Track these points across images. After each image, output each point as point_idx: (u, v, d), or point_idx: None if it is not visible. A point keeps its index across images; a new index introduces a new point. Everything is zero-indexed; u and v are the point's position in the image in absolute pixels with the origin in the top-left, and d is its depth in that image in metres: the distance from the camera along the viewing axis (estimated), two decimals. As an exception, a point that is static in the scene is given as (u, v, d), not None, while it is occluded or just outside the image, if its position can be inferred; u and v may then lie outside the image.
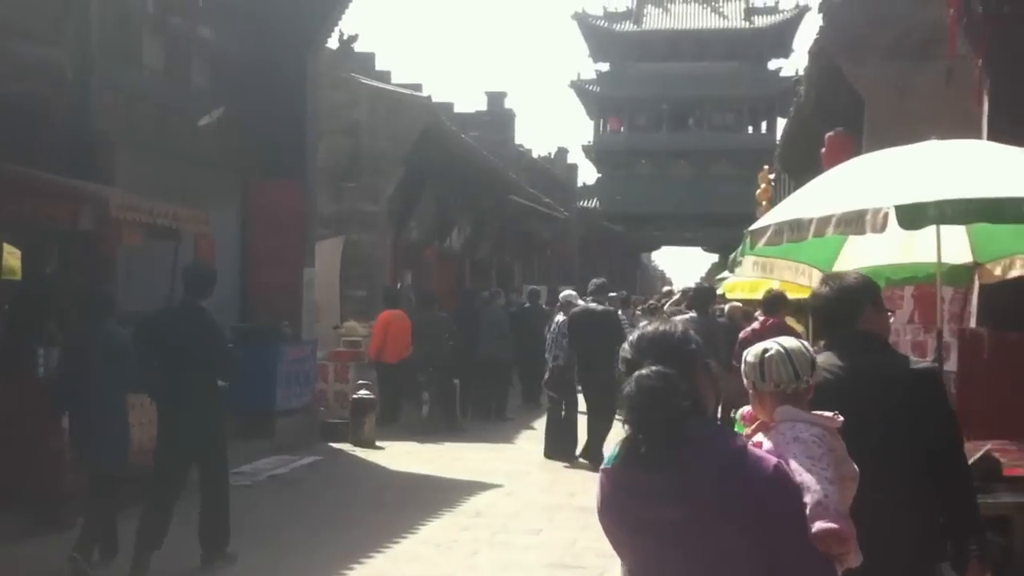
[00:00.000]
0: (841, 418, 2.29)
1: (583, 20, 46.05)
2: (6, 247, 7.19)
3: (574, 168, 38.80)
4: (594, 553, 5.92)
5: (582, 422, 9.51)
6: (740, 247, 4.43)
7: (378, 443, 10.12)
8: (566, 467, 9.20)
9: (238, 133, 10.06)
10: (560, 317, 9.78)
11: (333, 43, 14.36)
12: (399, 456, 9.62)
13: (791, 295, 8.09)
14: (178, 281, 7.91)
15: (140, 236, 7.27)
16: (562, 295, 10.64)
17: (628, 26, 46.16)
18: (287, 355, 9.63)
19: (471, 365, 12.30)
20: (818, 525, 2.01)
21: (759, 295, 11.47)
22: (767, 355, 2.33)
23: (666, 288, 24.47)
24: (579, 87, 46.34)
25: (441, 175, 16.30)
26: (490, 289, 15.39)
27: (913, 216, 3.49)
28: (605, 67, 46.81)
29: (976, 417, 4.94)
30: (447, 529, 6.59)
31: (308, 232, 10.81)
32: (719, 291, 12.26)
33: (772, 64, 45.85)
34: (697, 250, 52.05)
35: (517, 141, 28.44)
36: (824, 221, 3.68)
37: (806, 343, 2.42)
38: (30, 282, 7.11)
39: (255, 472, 8.25)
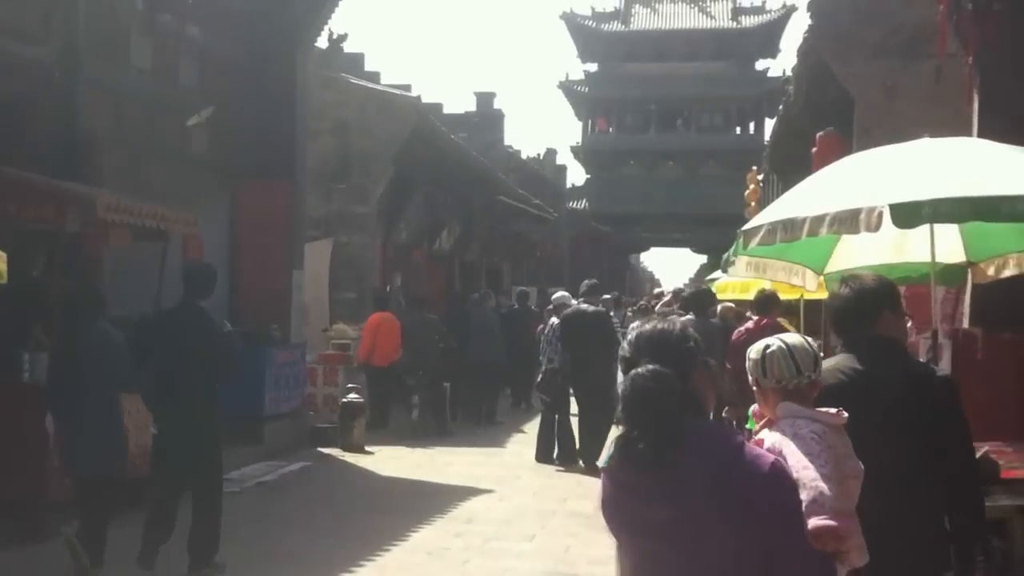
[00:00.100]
0: (845, 415, 2.27)
1: (571, 20, 46.08)
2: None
3: (563, 169, 38.83)
4: (587, 560, 5.89)
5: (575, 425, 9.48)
6: (733, 247, 4.42)
7: (368, 448, 10.05)
8: (558, 471, 9.16)
9: (227, 133, 9.99)
10: (554, 320, 9.75)
11: (322, 43, 14.30)
12: (389, 461, 9.56)
13: (782, 295, 8.10)
14: (166, 283, 7.88)
15: (128, 238, 7.21)
16: (555, 297, 10.62)
17: (616, 26, 46.23)
18: (276, 358, 9.56)
19: (461, 368, 12.25)
20: (813, 522, 2.00)
21: (751, 295, 11.49)
22: (768, 351, 2.32)
23: (657, 290, 24.52)
24: (567, 87, 46.38)
25: (431, 176, 16.25)
26: (480, 291, 15.34)
27: (907, 215, 3.47)
28: (593, 67, 46.86)
29: (971, 419, 4.91)
30: (438, 536, 6.52)
31: (297, 233, 10.74)
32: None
33: (760, 64, 46.03)
34: (686, 251, 52.18)
35: (506, 142, 28.43)
36: (818, 220, 3.66)
37: (809, 339, 2.40)
38: (15, 285, 7.02)
39: (243, 478, 8.16)
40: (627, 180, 44.62)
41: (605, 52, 46.16)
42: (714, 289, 11.75)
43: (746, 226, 4.19)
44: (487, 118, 27.09)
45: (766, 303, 7.51)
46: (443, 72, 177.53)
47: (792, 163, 14.76)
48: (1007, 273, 4.63)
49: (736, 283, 10.54)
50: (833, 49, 9.38)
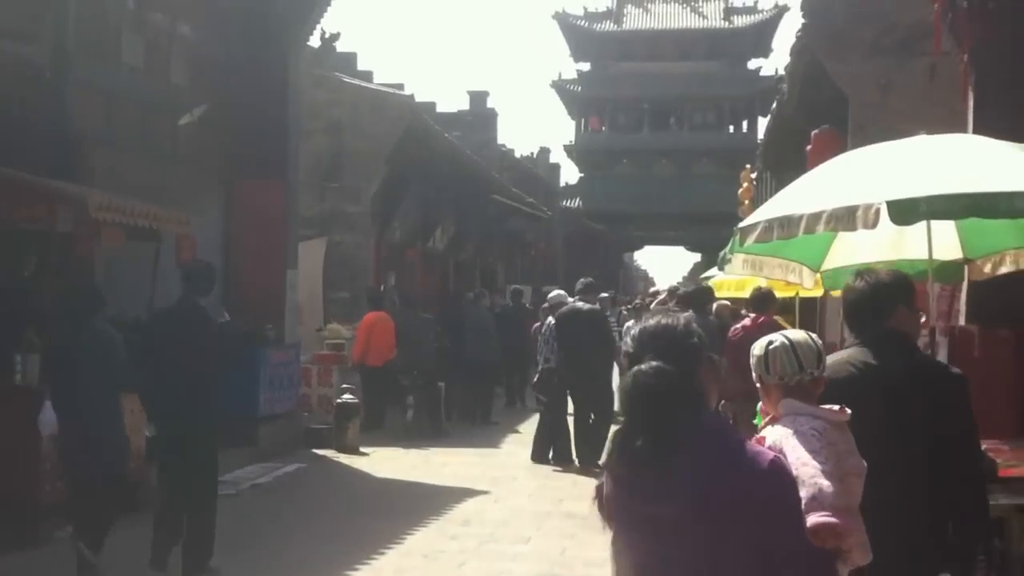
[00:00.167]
0: (848, 411, 2.26)
1: (563, 20, 46.11)
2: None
3: (556, 168, 38.83)
4: (583, 562, 5.85)
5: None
6: (730, 244, 4.40)
7: (362, 449, 10.00)
8: (555, 471, 9.12)
9: (219, 132, 9.94)
10: (551, 319, 9.72)
11: (315, 42, 14.26)
12: (384, 462, 9.51)
13: (778, 293, 8.09)
14: (159, 283, 7.83)
15: (120, 237, 7.16)
16: (551, 296, 10.59)
17: (608, 26, 46.28)
18: (270, 359, 9.51)
19: (456, 368, 12.22)
20: (812, 519, 1.99)
21: (746, 293, 11.49)
22: (771, 347, 2.32)
23: (652, 289, 24.58)
24: (560, 87, 46.41)
25: (424, 175, 16.22)
26: (475, 290, 15.31)
27: (905, 211, 3.46)
28: (586, 67, 46.90)
29: (968, 417, 4.92)
30: (434, 538, 6.47)
31: (291, 233, 10.69)
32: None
33: (752, 63, 46.15)
34: (679, 249, 52.26)
35: (499, 141, 28.41)
36: (815, 217, 3.65)
37: (814, 335, 2.39)
38: (6, 286, 6.97)
39: (237, 481, 8.10)
40: (620, 179, 44.67)
41: (598, 51, 46.20)
42: (709, 287, 11.75)
43: (743, 223, 4.18)
44: (480, 117, 27.05)
45: (763, 301, 7.51)
46: (436, 71, 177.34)
47: (786, 161, 14.77)
48: (1004, 270, 4.64)
49: (732, 281, 10.54)
50: (827, 48, 9.38)
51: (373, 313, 11.64)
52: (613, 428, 9.35)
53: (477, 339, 12.45)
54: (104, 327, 5.40)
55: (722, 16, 45.98)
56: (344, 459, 9.67)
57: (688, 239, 46.32)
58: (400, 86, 16.48)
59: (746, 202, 17.78)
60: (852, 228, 3.60)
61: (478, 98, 28.22)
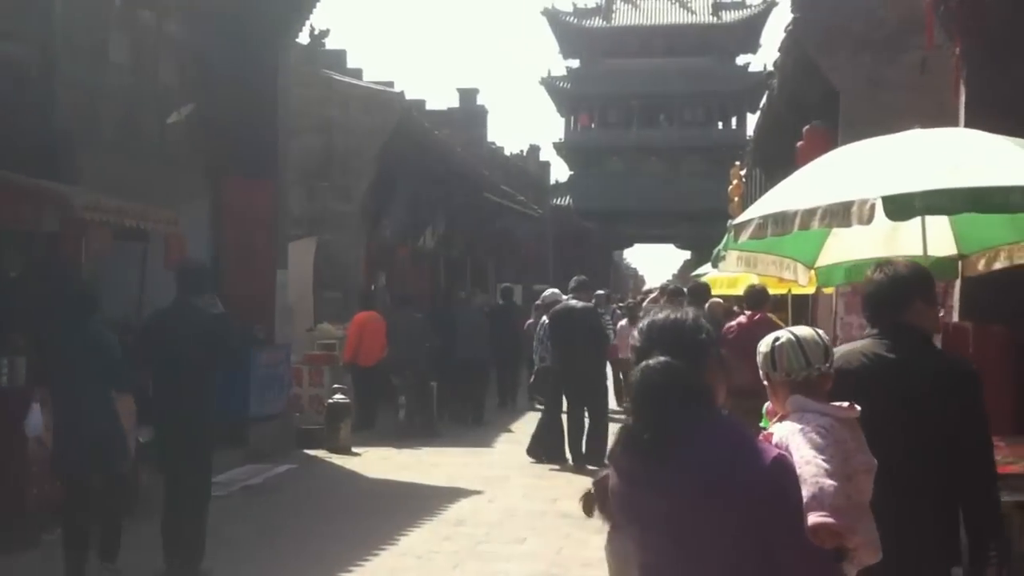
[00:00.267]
0: (858, 408, 2.23)
1: (553, 16, 46.08)
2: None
3: (546, 165, 38.78)
4: (579, 563, 5.82)
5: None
6: (724, 241, 4.38)
7: (354, 449, 9.95)
8: (551, 470, 9.07)
9: (208, 131, 9.85)
10: (545, 318, 9.69)
11: (303, 39, 14.17)
12: (376, 463, 9.46)
13: (771, 290, 8.08)
14: (147, 283, 7.77)
15: (108, 238, 7.08)
16: (545, 294, 10.56)
17: (597, 22, 46.28)
18: (260, 360, 9.45)
19: (448, 367, 12.17)
20: (810, 519, 1.96)
21: (739, 291, 11.48)
22: (778, 343, 2.29)
23: (646, 287, 24.63)
24: (549, 84, 46.37)
25: (414, 173, 16.16)
26: (467, 289, 15.27)
27: (900, 207, 3.44)
28: (575, 63, 46.89)
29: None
30: (428, 539, 6.42)
31: (280, 233, 10.62)
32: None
33: (740, 59, 46.26)
34: (669, 247, 52.31)
35: (489, 138, 28.36)
36: (809, 214, 3.63)
37: (820, 331, 2.37)
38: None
39: (228, 482, 8.03)
40: (610, 176, 44.68)
41: (587, 48, 46.19)
42: (701, 285, 11.73)
43: (737, 219, 4.15)
44: (470, 114, 26.99)
45: (757, 298, 7.50)
46: (426, 68, 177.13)
47: (776, 157, 14.76)
48: (998, 265, 4.62)
49: (724, 278, 10.52)
50: (817, 42, 9.39)
51: (364, 313, 11.58)
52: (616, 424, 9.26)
53: (468, 338, 12.40)
54: (100, 328, 5.34)
55: (711, 11, 46.04)
56: (336, 459, 9.61)
57: (678, 236, 46.38)
58: (390, 84, 16.41)
59: (736, 199, 17.79)
60: (847, 224, 3.57)
61: (468, 95, 28.16)
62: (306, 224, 13.21)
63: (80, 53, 8.09)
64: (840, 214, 3.53)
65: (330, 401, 10.19)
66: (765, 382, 2.34)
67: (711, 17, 45.81)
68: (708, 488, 1.80)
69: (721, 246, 4.44)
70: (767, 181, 18.51)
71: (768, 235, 3.85)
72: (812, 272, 4.93)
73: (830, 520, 1.97)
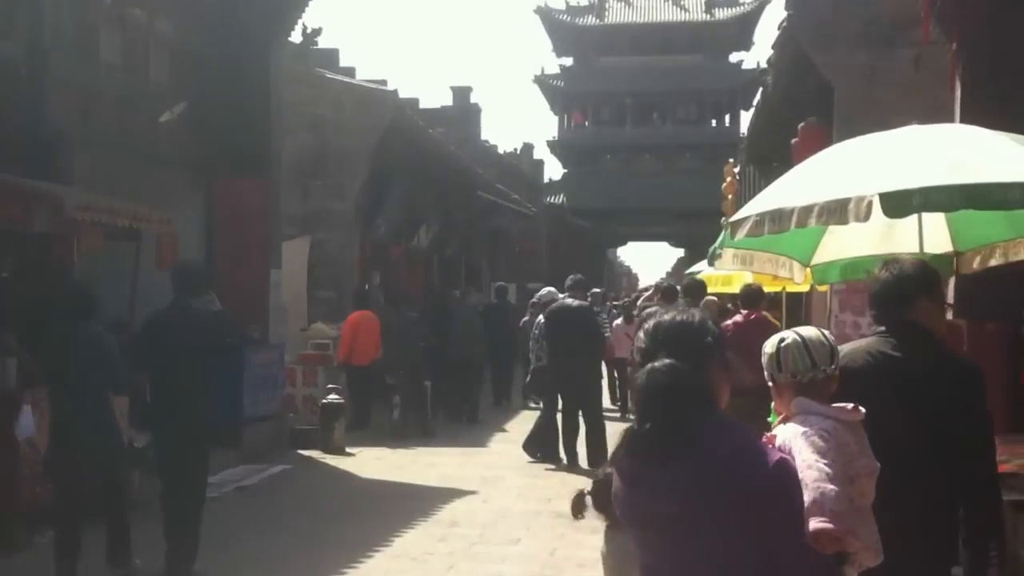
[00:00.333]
0: (863, 410, 2.21)
1: (546, 14, 46.04)
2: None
3: (540, 164, 38.76)
4: (574, 563, 5.79)
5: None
6: (720, 238, 4.36)
7: (349, 449, 9.91)
8: (546, 470, 9.04)
9: (200, 130, 9.80)
10: (541, 318, 9.66)
11: (296, 37, 14.11)
12: (370, 463, 9.42)
13: (765, 288, 8.06)
14: (139, 284, 7.71)
15: (100, 238, 7.03)
16: (541, 293, 10.53)
17: (591, 20, 46.25)
18: (254, 360, 9.40)
19: (442, 366, 12.13)
20: (811, 524, 1.95)
21: (733, 288, 11.47)
22: (783, 344, 2.28)
23: (642, 286, 24.68)
24: (543, 82, 46.34)
25: (408, 172, 16.11)
26: (461, 287, 15.24)
27: (898, 204, 3.42)
28: (568, 61, 46.87)
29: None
30: (422, 541, 6.38)
31: (274, 232, 10.57)
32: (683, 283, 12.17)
33: (734, 57, 46.26)
34: (663, 245, 52.34)
35: (483, 137, 28.32)
36: (806, 211, 3.61)
37: (826, 332, 2.34)
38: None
39: (221, 483, 7.97)
40: (604, 174, 44.67)
41: (580, 46, 46.15)
42: (694, 282, 11.70)
43: (733, 217, 4.13)
44: (464, 112, 26.96)
45: (753, 297, 7.48)
46: (419, 67, 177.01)
47: (771, 154, 14.78)
48: (994, 262, 4.60)
49: (718, 276, 10.51)
50: (812, 38, 9.37)
51: (358, 312, 11.54)
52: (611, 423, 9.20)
53: (463, 337, 12.36)
54: (99, 331, 5.29)
55: (704, 9, 46.05)
56: (330, 460, 9.57)
57: (672, 234, 46.39)
58: (383, 82, 16.35)
59: (729, 196, 17.77)
60: (844, 221, 3.55)
61: (461, 94, 28.13)
62: (299, 223, 13.15)
63: (71, 52, 8.03)
64: (837, 211, 3.51)
65: (324, 401, 10.15)
66: (770, 383, 2.32)
67: (704, 15, 45.82)
68: (711, 490, 1.79)
69: (717, 244, 4.42)
70: (761, 178, 18.52)
71: (765, 233, 3.83)
72: (808, 270, 4.91)
73: (829, 526, 1.96)
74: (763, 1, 44.46)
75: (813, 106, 10.08)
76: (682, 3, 46.61)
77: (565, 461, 9.17)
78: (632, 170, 44.95)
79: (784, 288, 9.41)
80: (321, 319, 12.58)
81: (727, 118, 46.09)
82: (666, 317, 1.95)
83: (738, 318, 7.36)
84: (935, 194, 3.40)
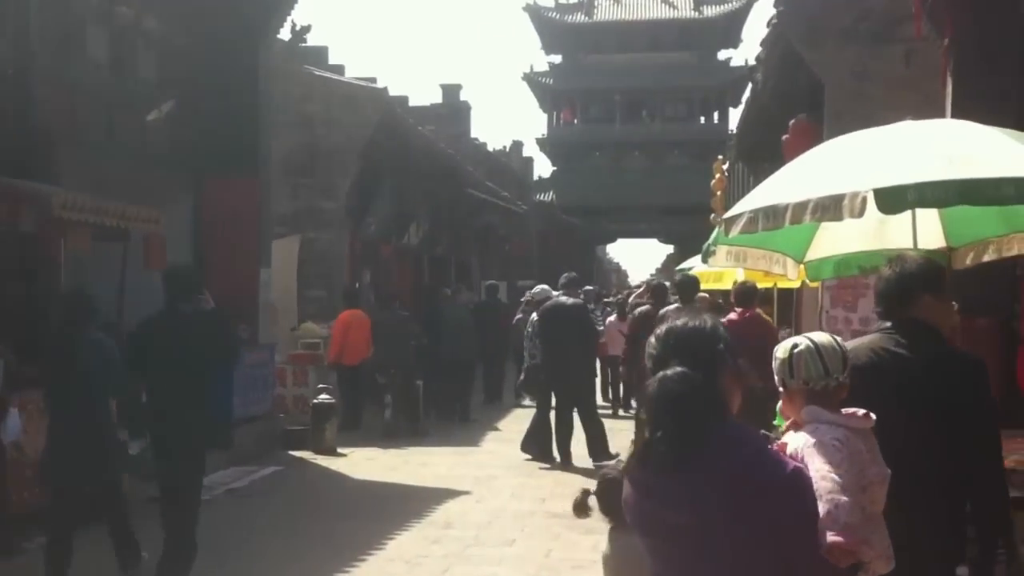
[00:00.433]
0: (874, 417, 2.19)
1: (535, 12, 46.03)
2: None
3: (529, 161, 38.78)
4: (570, 564, 5.77)
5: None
6: (714, 235, 4.33)
7: (340, 450, 9.85)
8: (540, 469, 9.01)
9: (189, 128, 9.73)
10: (535, 315, 9.62)
11: (285, 34, 14.03)
12: (362, 463, 9.37)
13: (757, 284, 8.05)
14: (128, 285, 7.64)
15: (87, 238, 6.95)
16: (534, 291, 10.48)
17: (579, 17, 46.27)
18: (244, 360, 9.32)
19: (434, 365, 12.08)
20: (826, 538, 1.95)
21: (724, 285, 11.47)
22: (796, 351, 2.26)
23: (633, 283, 24.73)
24: (532, 79, 46.35)
25: (398, 170, 16.06)
26: (452, 286, 15.20)
27: (892, 200, 3.40)
28: (557, 59, 46.89)
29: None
30: (416, 543, 6.32)
31: (264, 231, 10.50)
32: (676, 280, 12.18)
33: (722, 54, 46.38)
34: (652, 241, 52.43)
35: (472, 134, 28.28)
36: (800, 207, 3.58)
37: (838, 338, 2.33)
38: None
39: (212, 486, 7.88)
40: (593, 171, 44.72)
41: (569, 43, 46.17)
42: (686, 279, 11.68)
43: (727, 214, 4.11)
44: (453, 110, 26.93)
45: (748, 295, 7.45)
46: (408, 65, 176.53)
47: (761, 151, 14.77)
48: (987, 258, 4.60)
49: (710, 272, 10.50)
50: (802, 34, 9.36)
51: (349, 311, 11.47)
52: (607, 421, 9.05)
53: (454, 335, 12.31)
54: (100, 336, 5.23)
55: (692, 7, 46.14)
56: (322, 461, 9.52)
57: (661, 231, 46.48)
58: (372, 80, 16.28)
59: (718, 193, 17.79)
60: (839, 218, 3.53)
61: (451, 91, 28.10)
62: (289, 222, 13.09)
63: (58, 49, 7.95)
64: (831, 207, 3.49)
65: (315, 401, 10.09)
66: (780, 388, 2.31)
67: (692, 12, 45.91)
68: (724, 499, 1.78)
69: (711, 241, 4.40)
70: (750, 175, 18.56)
71: (759, 229, 3.80)
72: (801, 266, 4.90)
73: (842, 540, 1.95)
74: (751, -2, 44.59)
75: (803, 102, 10.07)
76: (671, 0, 46.67)
77: (559, 460, 9.15)
78: (621, 167, 45.01)
79: (775, 284, 9.41)
80: (311, 318, 12.52)
81: (715, 115, 46.22)
82: (678, 323, 1.94)
83: (732, 316, 7.33)
84: (930, 190, 3.38)
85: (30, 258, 6.78)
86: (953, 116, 6.04)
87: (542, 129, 47.55)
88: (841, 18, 9.02)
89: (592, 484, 3.22)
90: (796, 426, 2.23)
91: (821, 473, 2.01)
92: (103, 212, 6.62)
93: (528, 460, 9.29)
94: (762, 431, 2.09)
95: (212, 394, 5.74)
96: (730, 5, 45.45)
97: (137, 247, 7.61)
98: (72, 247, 6.98)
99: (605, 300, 17.73)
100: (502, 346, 14.08)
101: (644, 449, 1.87)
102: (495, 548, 6.26)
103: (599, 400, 11.44)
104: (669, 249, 51.44)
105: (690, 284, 9.02)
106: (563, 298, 9.32)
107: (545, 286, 10.60)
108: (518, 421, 11.53)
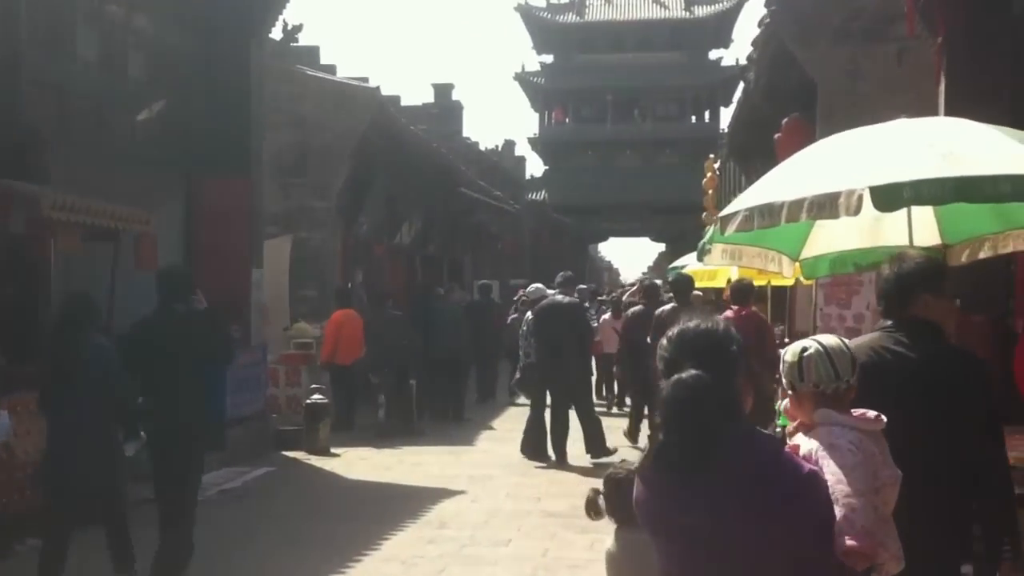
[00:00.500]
0: (884, 419, 2.20)
1: (526, 12, 46.05)
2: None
3: (522, 160, 38.82)
4: (566, 564, 5.75)
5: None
6: (709, 233, 4.32)
7: (334, 450, 9.81)
8: (535, 468, 8.98)
9: (180, 128, 9.66)
10: (530, 314, 9.60)
11: (276, 34, 13.98)
12: (356, 463, 9.33)
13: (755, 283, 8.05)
14: (118, 285, 7.59)
15: (77, 239, 6.90)
16: (529, 289, 10.46)
17: (571, 17, 46.31)
18: (236, 360, 9.27)
19: (427, 364, 12.06)
20: (844, 543, 1.96)
21: (718, 283, 11.47)
22: (806, 354, 2.26)
23: (628, 282, 24.78)
24: (523, 79, 46.37)
25: (390, 169, 16.03)
26: (445, 285, 15.18)
27: (888, 197, 3.40)
28: (549, 59, 46.92)
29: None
30: (411, 543, 6.28)
31: (255, 231, 10.45)
32: (670, 279, 12.19)
33: (713, 54, 46.49)
34: (644, 240, 52.50)
35: (464, 134, 28.27)
36: (796, 205, 3.58)
37: (846, 340, 2.33)
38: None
39: (204, 487, 7.72)
40: (585, 171, 44.78)
41: (560, 43, 46.21)
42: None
43: (723, 212, 4.10)
44: (446, 109, 26.92)
45: (744, 292, 7.45)
46: (400, 64, 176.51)
47: (753, 149, 14.80)
48: (982, 255, 4.60)
49: (704, 271, 10.51)
50: (794, 33, 9.37)
51: (341, 311, 11.44)
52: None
53: (447, 334, 12.29)
54: (103, 343, 5.17)
55: (683, 7, 46.22)
56: (315, 461, 9.48)
57: (652, 229, 46.59)
58: (364, 80, 16.24)
59: (710, 191, 17.83)
60: (835, 216, 3.53)
61: (443, 91, 28.09)
62: (281, 222, 13.04)
63: (46, 48, 7.88)
64: (828, 205, 3.48)
65: (308, 402, 10.05)
66: (789, 391, 2.31)
67: (683, 12, 45.99)
68: (741, 502, 1.78)
69: (707, 239, 4.39)
70: (742, 174, 18.59)
71: (755, 227, 3.80)
72: (797, 264, 4.89)
73: (862, 544, 1.96)
74: (742, -2, 44.68)
75: (795, 101, 10.10)
76: (662, 1, 46.75)
77: (554, 459, 9.13)
78: (613, 166, 45.08)
79: (769, 282, 9.42)
80: (304, 318, 12.47)
81: (707, 114, 46.33)
82: (690, 325, 1.93)
83: (728, 314, 7.33)
84: (926, 187, 3.38)
85: (19, 259, 6.71)
86: (946, 114, 6.05)
87: (534, 128, 47.61)
88: (833, 17, 9.05)
89: (591, 483, 3.20)
90: (803, 427, 2.23)
91: (837, 477, 2.02)
92: (93, 212, 6.57)
93: (523, 459, 9.27)
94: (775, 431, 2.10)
95: (211, 394, 5.71)
96: (721, 5, 45.55)
97: (128, 247, 7.56)
98: (62, 248, 6.93)
99: (600, 298, 17.73)
100: (495, 345, 14.06)
101: (659, 451, 1.86)
102: (491, 548, 6.22)
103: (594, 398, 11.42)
104: (660, 247, 51.54)
105: (685, 283, 9.02)
106: (559, 297, 9.31)
107: (539, 285, 10.58)
108: (512, 420, 11.51)
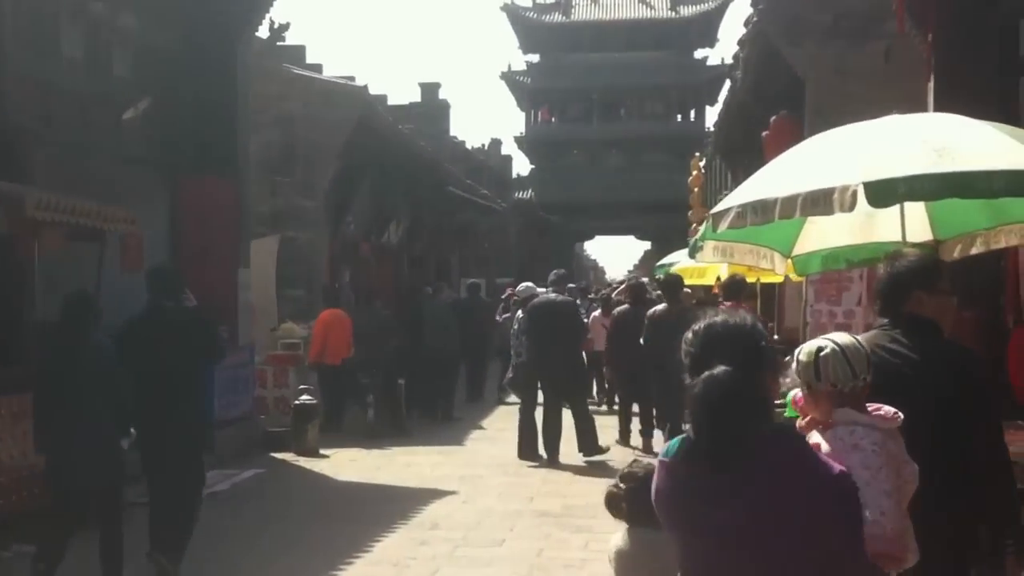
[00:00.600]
0: (901, 416, 2.19)
1: (512, 11, 46.05)
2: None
3: (508, 159, 38.80)
4: (561, 563, 5.71)
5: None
6: (702, 230, 4.30)
7: (323, 451, 9.73)
8: (528, 467, 8.94)
9: (165, 127, 9.58)
10: (521, 312, 9.57)
11: (263, 32, 13.89)
12: (346, 464, 9.27)
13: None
14: (104, 286, 7.51)
15: (61, 238, 6.82)
16: (520, 288, 10.42)
17: (557, 17, 46.35)
18: (223, 361, 9.20)
19: (416, 364, 12.01)
20: (873, 546, 1.96)
21: (707, 280, 11.48)
22: (822, 354, 2.26)
23: (615, 280, 24.80)
24: (510, 78, 46.38)
25: (377, 168, 15.98)
26: (433, 284, 15.13)
27: (882, 193, 3.39)
28: (535, 58, 46.95)
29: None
30: (403, 545, 6.22)
31: (242, 230, 10.37)
32: (658, 277, 12.23)
33: (698, 53, 46.62)
34: (630, 238, 52.63)
35: (451, 133, 28.22)
36: (790, 201, 3.56)
37: (859, 339, 2.32)
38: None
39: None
40: (571, 169, 44.84)
41: (547, 43, 46.23)
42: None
43: (715, 209, 4.09)
44: (432, 108, 26.86)
45: (736, 288, 7.46)
46: (387, 63, 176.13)
47: (740, 147, 14.85)
48: (975, 251, 4.60)
49: (693, 268, 10.51)
50: (782, 32, 9.40)
51: (329, 310, 11.37)
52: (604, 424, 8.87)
53: (436, 333, 12.24)
54: (102, 342, 5.11)
55: (668, 6, 46.33)
56: (304, 462, 9.40)
57: (638, 228, 46.70)
58: (351, 79, 16.17)
59: (696, 190, 17.89)
60: (829, 212, 3.52)
61: (430, 90, 28.03)
62: (268, 221, 12.96)
63: (30, 46, 7.79)
64: (821, 201, 3.47)
65: (296, 402, 9.98)
66: (805, 390, 2.30)
67: (669, 12, 46.11)
68: (771, 500, 1.78)
69: (699, 236, 4.37)
70: (728, 171, 18.64)
71: (748, 224, 3.78)
72: (789, 261, 4.88)
73: (893, 548, 1.99)
74: (727, -3, 44.83)
75: (783, 99, 10.12)
76: (647, 0, 46.86)
77: (545, 458, 9.10)
78: (599, 165, 45.16)
79: (759, 279, 9.43)
80: (291, 318, 12.40)
81: (692, 113, 46.47)
82: (717, 320, 1.91)
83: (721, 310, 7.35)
84: (920, 183, 3.37)
85: (3, 259, 6.63)
86: (935, 110, 6.06)
87: (520, 128, 47.61)
88: (821, 15, 9.07)
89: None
90: (815, 424, 2.22)
91: (864, 479, 2.03)
92: (77, 212, 6.49)
93: (515, 459, 9.23)
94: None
95: (203, 392, 5.67)
96: (706, 5, 45.68)
97: (114, 247, 7.48)
98: (46, 248, 6.84)
99: (590, 296, 17.74)
100: (484, 344, 14.02)
101: (690, 448, 1.86)
102: (484, 548, 6.17)
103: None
104: (646, 245, 51.65)
105: (675, 282, 9.02)
106: (552, 295, 9.27)
107: (529, 283, 10.55)
108: (502, 419, 11.48)
